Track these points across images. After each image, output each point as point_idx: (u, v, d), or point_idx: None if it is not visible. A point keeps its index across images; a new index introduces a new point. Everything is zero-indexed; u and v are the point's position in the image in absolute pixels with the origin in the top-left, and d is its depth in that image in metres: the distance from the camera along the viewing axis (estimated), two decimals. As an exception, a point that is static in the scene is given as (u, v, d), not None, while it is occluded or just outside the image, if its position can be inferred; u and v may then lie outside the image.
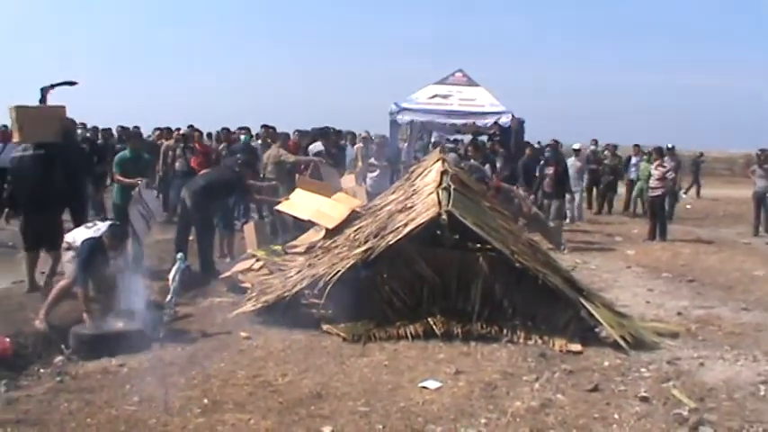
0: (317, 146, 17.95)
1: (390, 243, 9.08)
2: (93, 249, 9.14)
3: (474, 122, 22.23)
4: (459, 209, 9.30)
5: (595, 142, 26.62)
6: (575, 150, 21.93)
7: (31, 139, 10.88)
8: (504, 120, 21.61)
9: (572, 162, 21.20)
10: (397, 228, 9.27)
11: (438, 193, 9.64)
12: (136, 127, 19.63)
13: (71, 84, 11.84)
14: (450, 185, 9.91)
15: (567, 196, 19.03)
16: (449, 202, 9.37)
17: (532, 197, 17.46)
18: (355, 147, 19.30)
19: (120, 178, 12.20)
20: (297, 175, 15.52)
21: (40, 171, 10.62)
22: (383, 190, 14.48)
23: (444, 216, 9.19)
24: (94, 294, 9.43)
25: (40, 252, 10.95)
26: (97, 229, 9.46)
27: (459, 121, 22.56)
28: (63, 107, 11.36)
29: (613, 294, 11.47)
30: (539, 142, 21.95)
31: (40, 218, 10.74)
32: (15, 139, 11.28)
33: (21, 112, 10.94)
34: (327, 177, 15.48)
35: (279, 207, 13.13)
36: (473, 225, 9.16)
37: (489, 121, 21.79)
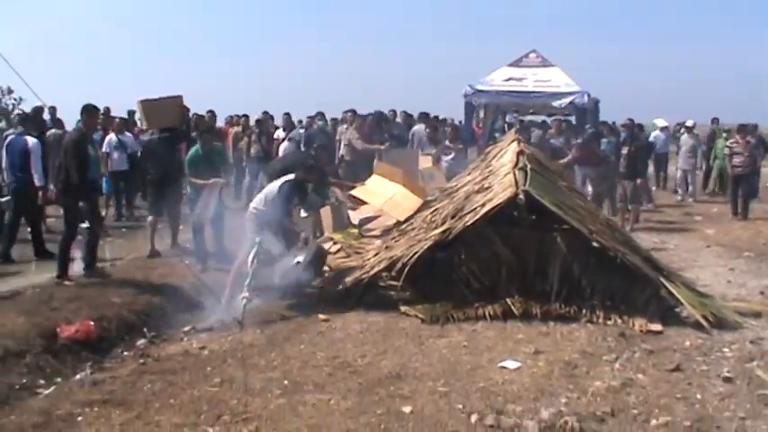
0: (419, 129, 18.22)
1: (468, 224, 9.08)
2: (292, 188, 10.31)
3: (550, 103, 21.96)
4: (537, 188, 9.26)
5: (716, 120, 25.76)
6: (687, 128, 21.76)
7: (155, 125, 12.75)
8: (580, 100, 21.34)
9: (685, 139, 21.14)
10: (475, 209, 9.26)
11: (515, 174, 9.60)
12: (209, 111, 19.65)
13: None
14: (526, 165, 9.86)
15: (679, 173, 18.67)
16: (526, 181, 9.33)
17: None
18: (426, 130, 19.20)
19: (194, 180, 11.78)
20: (375, 160, 15.60)
21: (167, 151, 12.56)
22: (458, 172, 14.51)
23: (521, 196, 9.16)
24: None
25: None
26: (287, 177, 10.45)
27: (534, 102, 22.31)
28: (180, 96, 12.75)
29: (693, 274, 11.27)
30: (613, 122, 21.58)
31: (167, 189, 12.17)
32: (144, 127, 13.81)
33: (145, 104, 12.62)
34: (407, 159, 15.60)
35: (353, 192, 13.22)
36: (551, 204, 9.11)
37: (565, 101, 21.51)
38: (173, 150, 12.79)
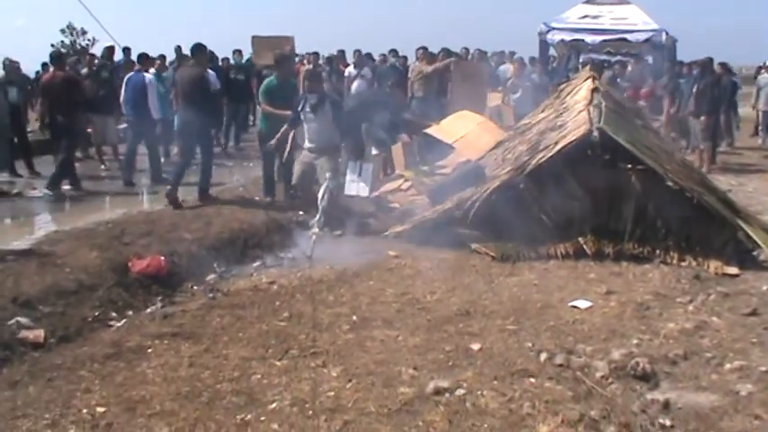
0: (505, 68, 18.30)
1: (541, 161, 8.93)
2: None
3: (626, 39, 21.55)
4: (611, 126, 9.07)
5: None
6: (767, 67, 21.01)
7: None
8: (658, 38, 20.92)
9: (766, 80, 20.45)
10: (548, 146, 9.11)
11: (589, 111, 9.42)
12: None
13: None
14: (601, 103, 9.66)
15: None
16: (600, 119, 9.14)
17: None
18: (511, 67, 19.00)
19: (268, 107, 11.67)
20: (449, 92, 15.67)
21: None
22: (526, 110, 14.56)
23: (596, 133, 8.96)
24: None
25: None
26: None
27: (610, 38, 21.90)
28: (291, 37, 12.79)
29: (768, 219, 10.97)
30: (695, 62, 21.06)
31: None
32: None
33: (255, 39, 14.39)
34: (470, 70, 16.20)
35: (428, 131, 13.13)
36: (625, 143, 8.91)
37: (641, 37, 21.13)
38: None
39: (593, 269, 8.43)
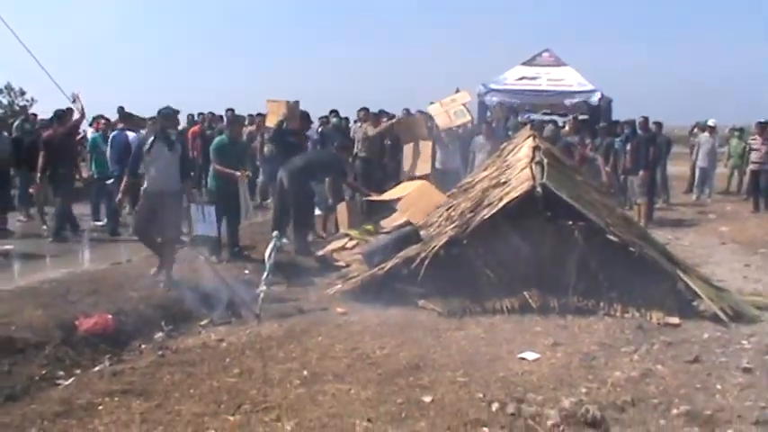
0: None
1: (485, 217, 9.09)
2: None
3: (562, 102, 22.02)
4: (554, 182, 9.28)
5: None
6: (709, 127, 21.69)
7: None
8: (594, 99, 21.41)
9: (705, 138, 21.13)
10: (492, 203, 9.28)
11: (531, 168, 9.63)
12: (229, 109, 19.79)
13: None
14: (543, 159, 9.89)
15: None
16: (543, 175, 9.35)
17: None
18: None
19: (219, 167, 11.74)
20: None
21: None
22: (453, 166, 15.86)
23: (539, 189, 9.15)
24: None
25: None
26: None
27: (547, 100, 22.36)
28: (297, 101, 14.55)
29: (709, 270, 11.26)
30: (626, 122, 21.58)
31: None
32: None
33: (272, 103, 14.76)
34: (416, 125, 16.85)
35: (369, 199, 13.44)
36: (568, 198, 9.12)
37: (578, 100, 21.62)
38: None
39: (539, 322, 8.55)
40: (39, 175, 14.27)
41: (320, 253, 11.83)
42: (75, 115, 14.11)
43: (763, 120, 19.16)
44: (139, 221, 10.33)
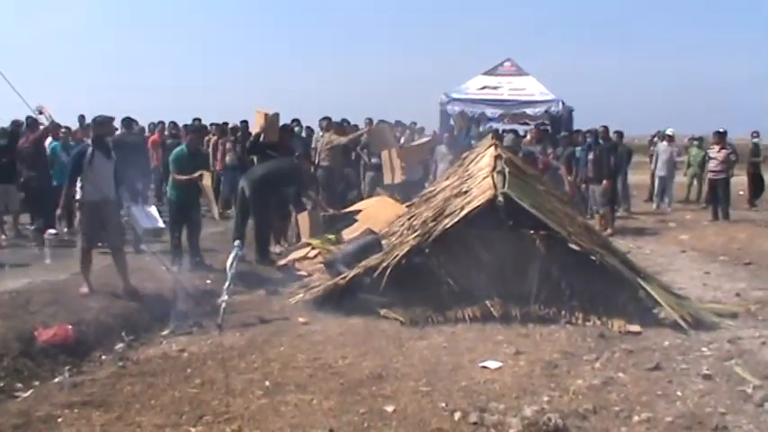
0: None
1: (447, 227, 9.09)
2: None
3: (524, 111, 22.13)
4: (515, 191, 9.30)
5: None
6: (668, 136, 21.85)
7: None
8: (555, 108, 21.52)
9: (664, 148, 21.31)
10: (453, 212, 9.28)
11: (493, 177, 9.64)
12: (196, 119, 19.76)
13: None
14: (504, 169, 9.91)
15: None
16: (504, 184, 9.36)
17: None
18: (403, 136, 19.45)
19: (177, 176, 11.72)
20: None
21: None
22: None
23: (501, 198, 9.17)
24: None
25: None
26: None
27: (509, 111, 22.44)
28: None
29: (669, 278, 11.34)
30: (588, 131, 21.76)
31: None
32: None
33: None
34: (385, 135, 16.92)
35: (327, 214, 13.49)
36: (530, 207, 9.16)
37: (540, 109, 21.73)
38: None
39: (501, 331, 8.54)
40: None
41: (282, 262, 11.79)
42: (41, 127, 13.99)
43: (720, 129, 19.36)
44: (90, 233, 10.13)
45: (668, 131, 22.25)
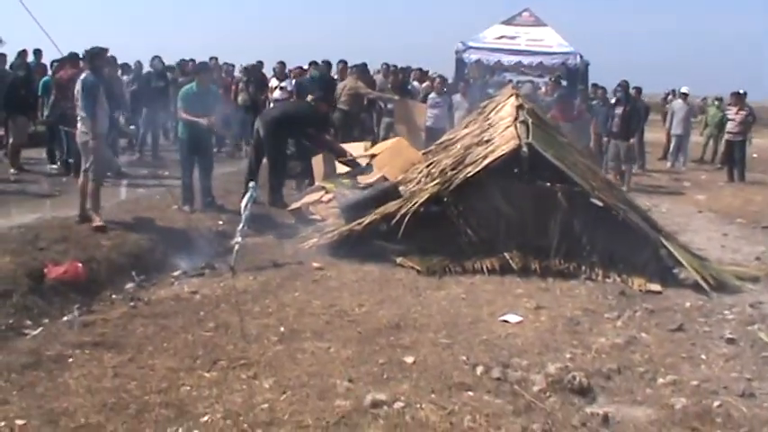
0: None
1: (469, 175, 8.86)
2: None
3: (541, 62, 21.78)
4: (539, 143, 9.07)
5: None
6: (683, 94, 21.52)
7: None
8: (573, 61, 21.21)
9: (680, 105, 21.00)
10: (476, 161, 9.04)
11: (516, 127, 9.41)
12: (213, 57, 19.45)
13: None
14: (527, 119, 9.68)
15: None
16: (528, 134, 9.13)
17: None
18: (423, 84, 19.14)
19: (185, 115, 11.40)
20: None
21: None
22: (442, 125, 15.42)
23: (525, 149, 8.92)
24: None
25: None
26: None
27: (526, 60, 22.08)
28: None
29: (687, 238, 11.11)
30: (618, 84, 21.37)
31: None
32: None
33: None
34: (415, 111, 16.24)
35: (346, 147, 13.21)
36: (554, 159, 8.93)
37: (557, 61, 21.40)
38: None
39: (520, 284, 8.39)
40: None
41: (295, 205, 11.56)
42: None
43: (739, 90, 19.09)
44: (103, 166, 10.13)
45: (683, 89, 21.96)
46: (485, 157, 8.99)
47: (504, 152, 8.89)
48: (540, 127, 9.97)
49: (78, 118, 9.85)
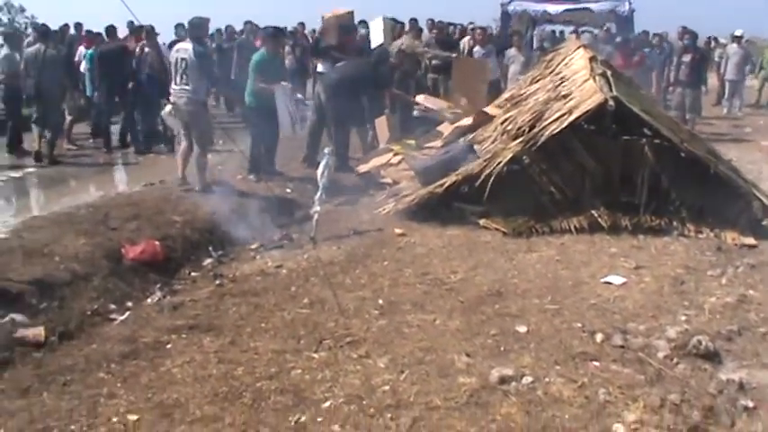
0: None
1: (555, 132, 8.54)
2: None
3: (589, 8, 21.29)
4: (623, 96, 8.72)
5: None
6: (737, 38, 20.85)
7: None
8: (621, 8, 20.73)
9: (734, 50, 20.34)
10: (559, 117, 8.69)
11: (596, 80, 9.06)
12: (248, 22, 19.12)
13: None
14: (606, 72, 9.34)
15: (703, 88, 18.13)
16: (611, 88, 8.78)
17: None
18: (465, 38, 18.66)
19: (261, 84, 10.95)
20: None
21: None
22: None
23: (612, 103, 8.56)
24: None
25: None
26: None
27: (573, 7, 21.59)
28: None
29: (765, 187, 10.75)
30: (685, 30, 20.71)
31: None
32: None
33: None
34: (479, 68, 15.53)
35: (418, 98, 12.84)
36: (641, 112, 8.59)
37: (605, 7, 20.92)
38: None
39: (612, 243, 8.09)
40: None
41: (363, 169, 11.27)
42: None
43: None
44: (210, 132, 10.65)
45: (737, 33, 21.29)
46: (569, 112, 8.60)
47: (589, 107, 8.50)
48: (620, 79, 9.62)
49: (186, 89, 9.86)
